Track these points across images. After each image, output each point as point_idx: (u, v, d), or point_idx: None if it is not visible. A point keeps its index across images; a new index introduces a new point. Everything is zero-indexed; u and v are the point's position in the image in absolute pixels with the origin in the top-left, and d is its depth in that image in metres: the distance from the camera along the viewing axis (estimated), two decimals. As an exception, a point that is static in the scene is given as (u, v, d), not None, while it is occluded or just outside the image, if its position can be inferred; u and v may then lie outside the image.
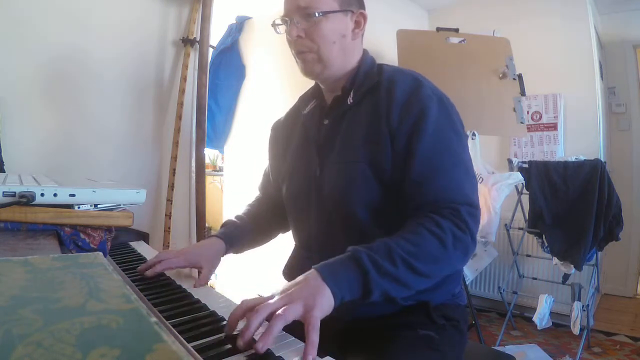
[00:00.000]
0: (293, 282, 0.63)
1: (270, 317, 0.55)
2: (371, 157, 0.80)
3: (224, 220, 1.01)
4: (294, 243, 0.99)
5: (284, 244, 1.08)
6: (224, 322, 0.59)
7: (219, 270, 0.92)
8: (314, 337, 0.53)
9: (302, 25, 0.82)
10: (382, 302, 0.80)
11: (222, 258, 0.93)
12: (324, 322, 0.91)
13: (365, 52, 0.91)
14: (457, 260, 0.74)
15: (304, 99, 0.99)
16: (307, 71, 0.86)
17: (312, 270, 0.64)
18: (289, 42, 0.86)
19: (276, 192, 1.02)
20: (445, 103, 0.82)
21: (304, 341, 0.54)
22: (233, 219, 1.01)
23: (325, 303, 0.60)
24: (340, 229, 0.83)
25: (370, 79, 0.86)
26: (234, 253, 0.97)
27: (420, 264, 0.68)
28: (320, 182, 0.86)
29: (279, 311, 0.55)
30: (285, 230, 1.07)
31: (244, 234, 0.98)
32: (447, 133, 0.79)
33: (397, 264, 0.66)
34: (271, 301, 0.58)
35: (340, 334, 0.87)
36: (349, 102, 0.86)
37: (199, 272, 0.85)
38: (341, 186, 0.82)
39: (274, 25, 0.87)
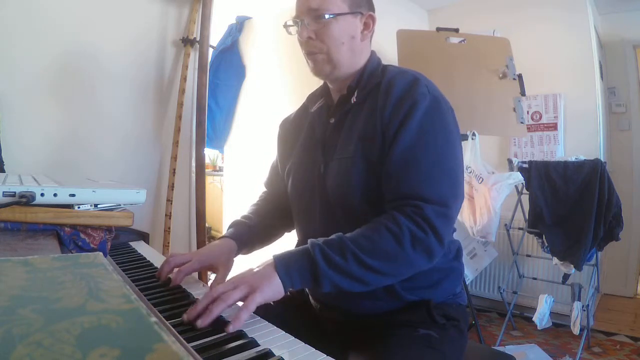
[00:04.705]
0: (251, 268, 0.70)
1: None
2: (365, 153, 0.81)
3: (224, 220, 1.01)
4: (297, 239, 0.99)
5: (285, 243, 1.07)
6: (225, 322, 0.59)
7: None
8: (242, 315, 0.59)
9: (312, 27, 0.83)
10: (386, 297, 0.81)
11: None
12: (325, 318, 0.91)
13: (373, 53, 0.92)
14: (419, 261, 0.72)
15: (312, 98, 1.00)
16: (317, 71, 0.88)
17: (270, 258, 0.70)
18: (300, 42, 0.87)
19: (283, 187, 1.02)
20: (439, 102, 0.80)
21: (304, 340, 0.55)
22: (240, 218, 1.00)
23: (270, 290, 0.66)
24: (343, 225, 0.84)
25: (373, 78, 0.87)
26: (243, 254, 0.96)
27: (372, 260, 0.69)
28: (324, 179, 0.87)
29: (222, 295, 0.62)
30: (291, 228, 1.07)
31: (253, 234, 0.97)
32: (433, 131, 0.77)
33: (347, 258, 0.69)
34: (220, 285, 0.65)
35: (341, 332, 0.88)
36: (352, 101, 0.87)
37: (199, 275, 0.85)
38: (340, 182, 0.83)
39: (285, 26, 0.88)
